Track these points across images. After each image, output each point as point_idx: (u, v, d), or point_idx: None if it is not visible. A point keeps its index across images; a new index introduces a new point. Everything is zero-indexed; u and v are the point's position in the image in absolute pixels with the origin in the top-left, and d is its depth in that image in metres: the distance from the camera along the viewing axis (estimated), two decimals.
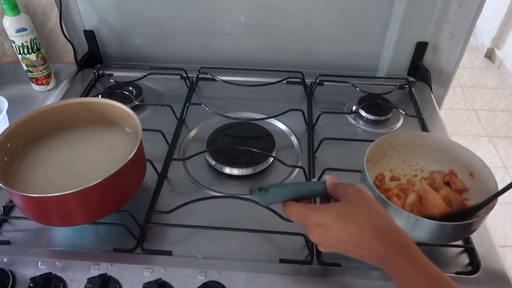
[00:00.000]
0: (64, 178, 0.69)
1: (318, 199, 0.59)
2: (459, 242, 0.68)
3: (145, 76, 1.05)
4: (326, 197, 0.57)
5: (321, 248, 0.52)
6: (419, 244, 0.48)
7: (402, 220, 0.60)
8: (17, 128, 0.70)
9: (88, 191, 0.58)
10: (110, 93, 1.00)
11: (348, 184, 0.53)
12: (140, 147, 0.67)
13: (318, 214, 0.50)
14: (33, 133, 0.73)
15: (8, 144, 0.68)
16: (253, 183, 0.80)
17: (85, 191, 0.58)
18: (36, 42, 0.98)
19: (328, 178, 0.56)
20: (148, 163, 0.77)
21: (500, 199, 0.61)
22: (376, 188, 0.62)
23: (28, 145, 0.73)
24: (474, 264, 0.65)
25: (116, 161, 0.61)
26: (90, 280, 0.60)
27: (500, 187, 0.62)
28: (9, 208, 0.74)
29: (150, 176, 0.78)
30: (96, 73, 1.08)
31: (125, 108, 0.73)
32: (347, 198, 0.51)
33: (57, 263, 0.64)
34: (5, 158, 0.68)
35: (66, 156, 0.73)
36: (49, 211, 0.62)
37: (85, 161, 0.72)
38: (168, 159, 0.84)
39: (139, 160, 0.69)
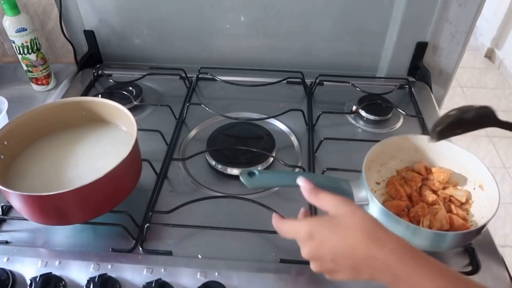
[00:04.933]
0: (61, 177, 0.69)
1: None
2: None
3: (144, 76, 1.05)
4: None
5: (313, 266, 0.48)
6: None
7: (401, 228, 0.59)
8: (15, 126, 0.70)
9: (82, 191, 0.58)
10: (110, 93, 1.00)
11: (332, 193, 0.50)
12: (135, 147, 0.67)
13: (311, 223, 0.47)
14: (31, 132, 0.74)
15: (5, 142, 0.68)
16: None
17: (79, 190, 0.58)
18: (36, 42, 0.98)
19: (300, 181, 0.52)
20: (146, 163, 0.77)
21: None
22: (371, 191, 0.61)
23: (25, 143, 0.73)
24: (474, 264, 0.65)
25: (112, 161, 0.61)
26: (90, 280, 0.60)
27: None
28: (7, 208, 0.74)
29: (149, 176, 0.78)
30: (96, 73, 1.08)
31: (122, 108, 0.73)
32: (339, 210, 0.47)
33: (57, 263, 0.64)
34: (2, 156, 0.68)
35: (64, 155, 0.73)
36: (43, 210, 0.62)
37: (82, 161, 0.72)
38: (168, 159, 0.84)
39: (134, 160, 0.69)
